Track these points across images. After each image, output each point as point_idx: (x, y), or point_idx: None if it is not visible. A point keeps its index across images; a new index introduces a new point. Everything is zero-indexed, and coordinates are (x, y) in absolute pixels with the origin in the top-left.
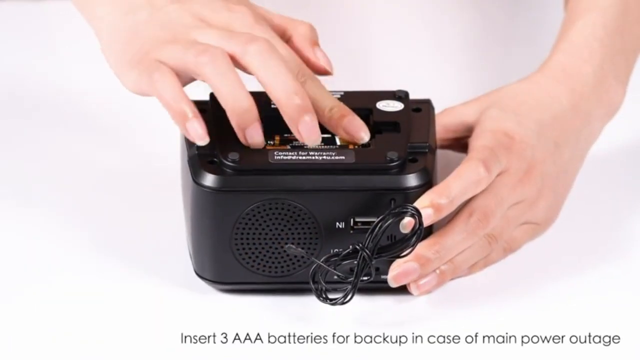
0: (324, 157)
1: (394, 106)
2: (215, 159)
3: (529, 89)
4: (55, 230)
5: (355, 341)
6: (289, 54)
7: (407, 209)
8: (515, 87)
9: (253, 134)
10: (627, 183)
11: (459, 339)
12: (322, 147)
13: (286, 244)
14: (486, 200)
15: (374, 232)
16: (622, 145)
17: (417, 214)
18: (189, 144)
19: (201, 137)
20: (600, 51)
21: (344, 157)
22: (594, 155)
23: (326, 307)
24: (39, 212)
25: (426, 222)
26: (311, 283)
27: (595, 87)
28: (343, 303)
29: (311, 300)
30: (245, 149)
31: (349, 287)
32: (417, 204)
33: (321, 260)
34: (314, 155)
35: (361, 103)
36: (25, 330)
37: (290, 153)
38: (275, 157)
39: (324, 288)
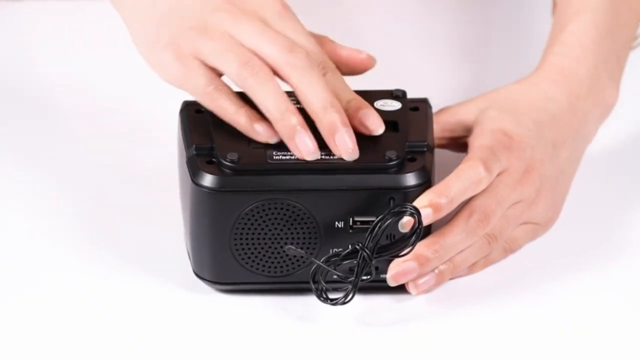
0: (323, 156)
1: (392, 105)
2: (213, 159)
3: (526, 90)
4: (54, 231)
5: (355, 341)
6: (312, 44)
7: (406, 208)
8: (512, 88)
9: (299, 142)
10: (625, 183)
11: (458, 338)
12: (321, 145)
13: (285, 244)
14: (486, 199)
15: (374, 232)
16: (619, 145)
17: (416, 213)
18: (187, 144)
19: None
20: (594, 52)
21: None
22: (592, 155)
23: (326, 306)
24: (38, 213)
25: (425, 222)
26: (311, 283)
27: (590, 88)
28: (344, 303)
29: (311, 300)
30: (244, 149)
31: (350, 286)
32: (416, 203)
33: (321, 260)
34: None
35: None
36: (24, 330)
37: (288, 153)
38: (274, 157)
39: (324, 288)
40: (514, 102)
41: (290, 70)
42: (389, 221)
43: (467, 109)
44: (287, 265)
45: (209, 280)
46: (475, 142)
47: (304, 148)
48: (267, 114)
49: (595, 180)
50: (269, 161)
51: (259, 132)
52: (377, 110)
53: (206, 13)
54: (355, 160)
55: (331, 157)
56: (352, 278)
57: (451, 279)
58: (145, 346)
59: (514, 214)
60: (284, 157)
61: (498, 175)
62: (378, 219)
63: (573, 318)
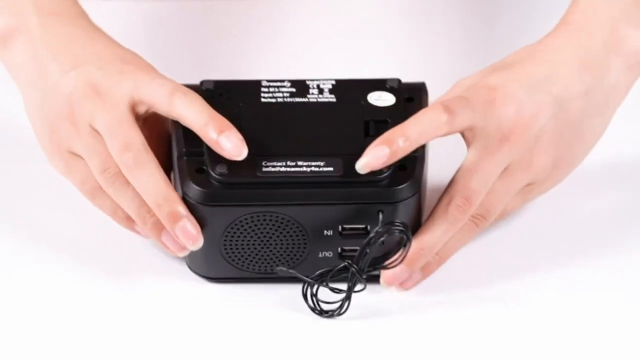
0: (312, 168)
1: (385, 99)
2: (204, 167)
3: (535, 48)
4: (52, 230)
5: (352, 328)
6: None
7: (395, 227)
8: (524, 48)
9: (165, 241)
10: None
11: (455, 335)
12: (311, 154)
13: (274, 248)
14: (464, 180)
15: (363, 252)
16: (620, 144)
17: (404, 230)
18: (178, 149)
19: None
20: (607, 4)
21: (332, 169)
22: (593, 154)
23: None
24: (36, 207)
25: (381, 162)
26: (304, 299)
27: (607, 39)
28: (339, 314)
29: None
30: (233, 161)
31: (344, 298)
32: (373, 144)
33: (312, 277)
34: (302, 167)
35: (352, 95)
36: (24, 327)
37: (278, 163)
38: (263, 170)
39: (317, 302)
40: (514, 58)
41: (124, 171)
42: (377, 242)
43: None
44: (277, 264)
45: (202, 275)
46: (462, 93)
47: (171, 246)
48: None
49: (595, 181)
50: (258, 174)
51: (139, 233)
52: (370, 105)
53: (74, 101)
54: (344, 173)
55: (320, 169)
56: (345, 292)
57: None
58: (146, 337)
59: (506, 187)
60: (273, 170)
61: (475, 140)
62: (366, 241)
63: (573, 318)
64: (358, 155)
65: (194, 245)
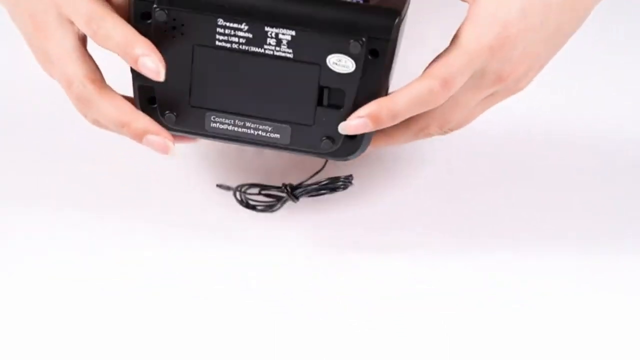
0: (259, 132)
1: (345, 65)
2: (154, 96)
3: None
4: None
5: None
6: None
7: (340, 181)
8: None
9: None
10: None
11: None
12: (261, 119)
13: None
14: (446, 111)
15: (303, 190)
16: (620, 142)
17: (346, 186)
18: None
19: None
20: None
21: (278, 136)
22: (593, 153)
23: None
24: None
25: (363, 131)
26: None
27: None
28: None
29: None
30: (182, 108)
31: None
32: (359, 111)
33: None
34: (250, 129)
35: (311, 54)
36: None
37: (226, 120)
38: (211, 125)
39: (246, 202)
40: None
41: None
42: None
43: None
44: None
45: None
46: (462, 37)
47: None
48: None
49: (595, 179)
50: (206, 128)
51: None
52: (328, 71)
53: (27, 40)
54: (290, 142)
55: (267, 134)
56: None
57: None
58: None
59: (483, 107)
60: (221, 127)
61: (467, 81)
62: (313, 187)
63: (572, 317)
64: (307, 125)
65: (171, 152)
